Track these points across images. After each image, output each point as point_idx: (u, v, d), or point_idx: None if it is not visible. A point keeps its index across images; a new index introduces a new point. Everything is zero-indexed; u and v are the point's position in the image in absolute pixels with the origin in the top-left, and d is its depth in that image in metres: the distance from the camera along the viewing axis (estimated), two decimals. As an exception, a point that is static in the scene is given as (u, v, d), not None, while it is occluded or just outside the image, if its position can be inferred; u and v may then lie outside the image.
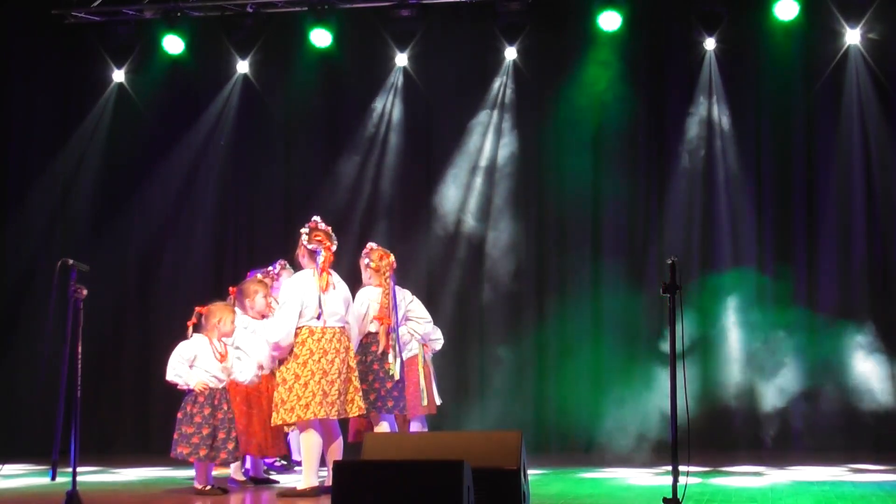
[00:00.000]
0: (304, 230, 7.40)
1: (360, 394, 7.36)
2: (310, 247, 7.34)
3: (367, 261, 8.02)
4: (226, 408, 7.60)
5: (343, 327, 7.32)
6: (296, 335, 7.17)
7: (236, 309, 8.26)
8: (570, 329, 11.46)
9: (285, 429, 8.15)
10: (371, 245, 8.20)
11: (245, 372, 7.82)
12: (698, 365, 10.80)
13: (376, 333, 7.90)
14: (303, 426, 7.14)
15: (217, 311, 7.67)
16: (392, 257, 8.07)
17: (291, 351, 7.18)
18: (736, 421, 10.99)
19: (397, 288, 8.12)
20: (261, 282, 8.38)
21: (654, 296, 10.18)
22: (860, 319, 10.83)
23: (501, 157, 11.71)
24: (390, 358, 7.80)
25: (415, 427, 8.90)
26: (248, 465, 8.45)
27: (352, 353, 7.37)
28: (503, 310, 11.57)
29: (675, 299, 5.69)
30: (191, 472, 7.87)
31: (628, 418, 11.10)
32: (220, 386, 7.61)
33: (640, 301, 11.04)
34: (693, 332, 10.58)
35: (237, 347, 8.03)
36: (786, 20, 11.05)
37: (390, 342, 7.79)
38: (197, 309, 7.71)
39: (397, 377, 7.81)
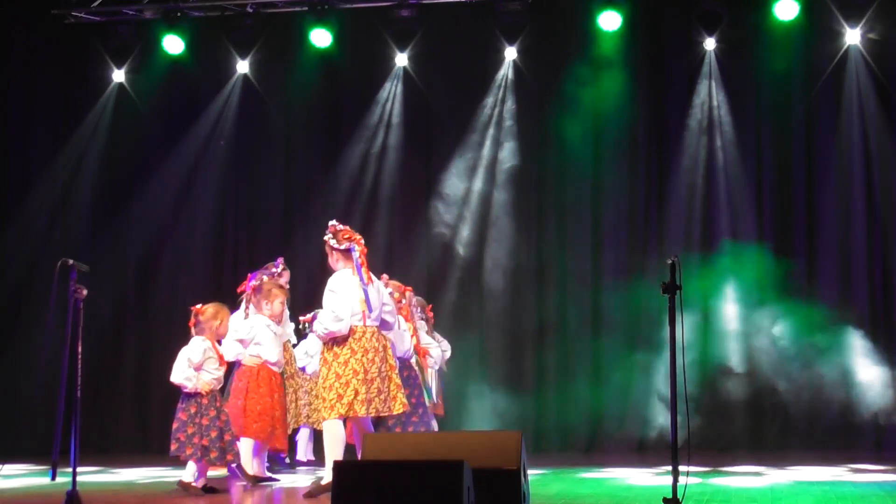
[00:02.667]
0: (327, 237, 7.32)
1: (402, 391, 7.37)
2: (342, 246, 7.27)
3: (389, 290, 8.07)
4: (225, 409, 7.73)
5: (379, 326, 7.32)
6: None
7: (250, 307, 8.36)
8: (570, 328, 11.48)
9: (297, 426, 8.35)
10: (385, 277, 8.33)
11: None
12: (698, 364, 10.80)
13: None
14: (335, 423, 7.13)
15: (218, 313, 7.70)
16: (412, 291, 8.29)
17: (331, 349, 7.15)
18: (736, 421, 10.99)
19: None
20: (282, 288, 8.48)
21: (655, 296, 10.17)
22: (861, 319, 10.85)
23: (501, 157, 11.72)
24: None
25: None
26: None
27: (390, 352, 7.36)
28: (503, 309, 11.57)
29: (675, 299, 5.69)
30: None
31: (628, 417, 11.12)
32: (219, 387, 7.70)
33: (641, 301, 11.04)
34: (694, 332, 10.59)
35: (258, 343, 8.14)
36: (786, 20, 11.05)
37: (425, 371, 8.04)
38: (193, 308, 7.74)
39: (428, 401, 8.10)
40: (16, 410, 11.62)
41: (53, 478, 6.06)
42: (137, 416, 11.92)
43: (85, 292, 6.07)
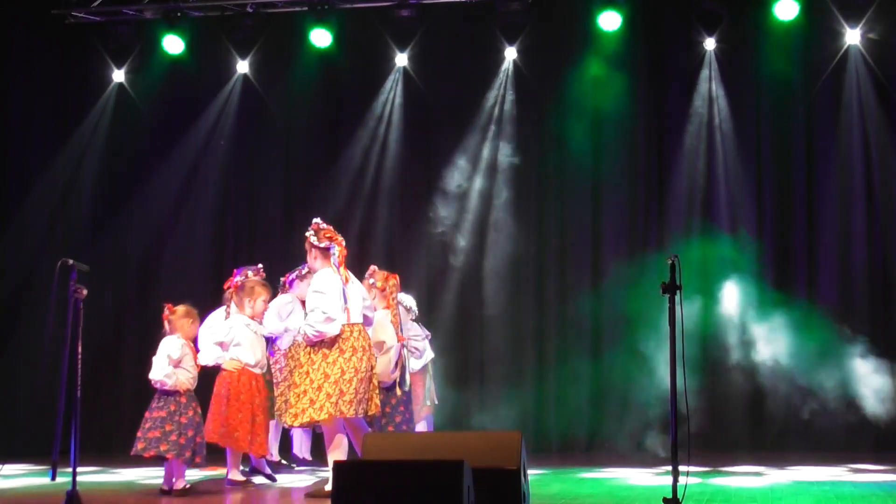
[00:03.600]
0: (308, 233, 7.34)
1: (377, 391, 7.37)
2: (322, 245, 7.28)
3: (372, 281, 8.09)
4: (199, 410, 7.71)
5: (363, 323, 7.32)
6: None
7: (232, 306, 8.28)
8: (570, 328, 11.48)
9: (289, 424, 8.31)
10: (373, 267, 8.29)
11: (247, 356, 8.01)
12: (698, 365, 10.79)
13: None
14: (331, 424, 7.11)
15: (188, 313, 7.72)
16: (397, 278, 8.19)
17: (319, 350, 7.14)
18: (736, 421, 10.99)
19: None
20: (265, 286, 8.38)
21: (655, 295, 10.16)
22: (860, 317, 10.85)
23: (501, 157, 11.72)
24: (399, 373, 8.00)
25: (420, 428, 8.97)
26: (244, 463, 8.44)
27: (372, 351, 7.36)
28: (503, 308, 11.57)
29: (674, 299, 5.69)
30: (193, 472, 7.87)
31: (628, 417, 11.12)
32: (194, 386, 7.70)
33: (641, 300, 11.02)
34: (694, 330, 10.58)
35: (237, 345, 8.06)
36: (786, 20, 11.05)
37: (401, 360, 7.94)
38: (167, 305, 7.73)
39: (406, 388, 7.98)
40: (16, 410, 11.60)
41: (53, 478, 6.06)
42: (137, 416, 11.83)
43: (85, 292, 6.08)
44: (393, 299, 8.12)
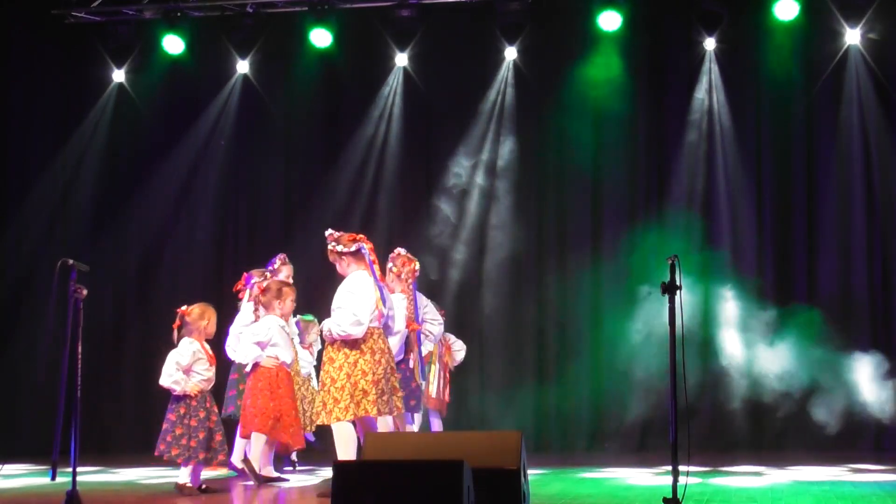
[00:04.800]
0: (331, 245, 7.23)
1: (399, 394, 7.39)
2: (352, 248, 7.20)
3: (390, 265, 8.11)
4: (216, 409, 7.73)
5: (382, 328, 7.34)
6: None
7: (260, 308, 8.35)
8: (570, 328, 11.48)
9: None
10: (399, 250, 8.31)
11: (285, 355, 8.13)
12: (699, 366, 10.79)
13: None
14: (346, 424, 7.15)
15: (204, 313, 7.71)
16: (416, 264, 8.20)
17: (341, 350, 7.14)
18: (736, 421, 10.99)
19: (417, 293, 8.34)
20: (290, 286, 8.44)
21: (655, 295, 10.18)
22: (860, 318, 10.84)
23: (501, 157, 11.72)
24: (410, 363, 8.03)
25: (419, 421, 9.00)
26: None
27: (391, 354, 7.38)
28: (503, 308, 11.58)
29: (674, 299, 5.69)
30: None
31: (628, 417, 11.12)
32: (210, 388, 7.69)
33: (640, 300, 11.03)
34: (694, 332, 10.59)
35: (274, 344, 8.09)
36: (786, 20, 11.06)
37: (414, 347, 7.97)
38: (179, 311, 7.74)
39: (420, 380, 8.02)
40: (16, 410, 11.61)
41: (53, 478, 6.06)
42: (138, 416, 11.90)
43: (85, 292, 6.08)
44: (409, 285, 8.15)
